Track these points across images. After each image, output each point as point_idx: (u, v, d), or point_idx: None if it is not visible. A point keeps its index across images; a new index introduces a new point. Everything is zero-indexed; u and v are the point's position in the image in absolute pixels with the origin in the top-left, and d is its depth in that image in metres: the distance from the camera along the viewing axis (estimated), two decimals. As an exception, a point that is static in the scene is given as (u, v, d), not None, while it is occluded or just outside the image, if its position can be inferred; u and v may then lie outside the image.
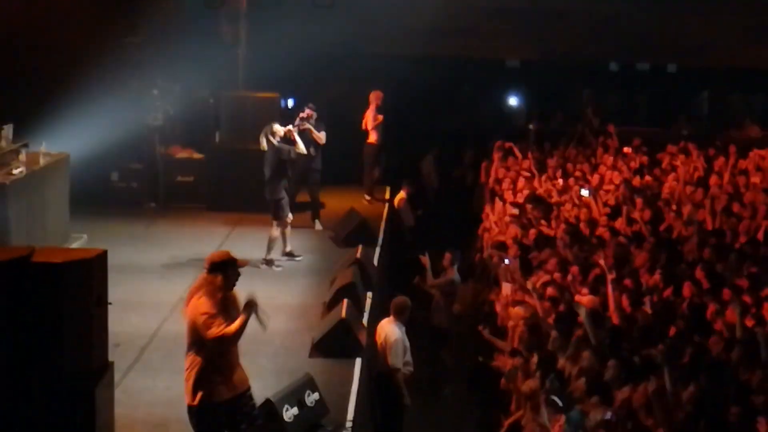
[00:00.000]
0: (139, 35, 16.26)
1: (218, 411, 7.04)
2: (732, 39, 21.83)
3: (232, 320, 6.89)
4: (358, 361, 9.64)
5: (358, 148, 17.12)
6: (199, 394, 6.94)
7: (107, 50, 15.44)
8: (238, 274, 7.03)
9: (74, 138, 13.85)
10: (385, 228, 15.46)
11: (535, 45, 22.77)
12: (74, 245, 12.76)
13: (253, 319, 6.96)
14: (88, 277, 6.59)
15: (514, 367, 9.63)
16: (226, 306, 6.94)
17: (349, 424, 8.34)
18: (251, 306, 6.93)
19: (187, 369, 7.00)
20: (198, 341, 6.94)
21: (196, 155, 16.80)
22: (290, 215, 13.00)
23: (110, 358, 7.00)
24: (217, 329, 6.79)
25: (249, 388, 7.28)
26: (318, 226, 15.00)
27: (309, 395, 8.24)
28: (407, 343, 10.38)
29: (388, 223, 15.97)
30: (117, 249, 12.14)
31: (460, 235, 17.27)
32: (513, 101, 25.51)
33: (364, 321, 10.69)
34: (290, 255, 13.14)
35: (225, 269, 6.95)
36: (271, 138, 12.93)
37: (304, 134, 13.87)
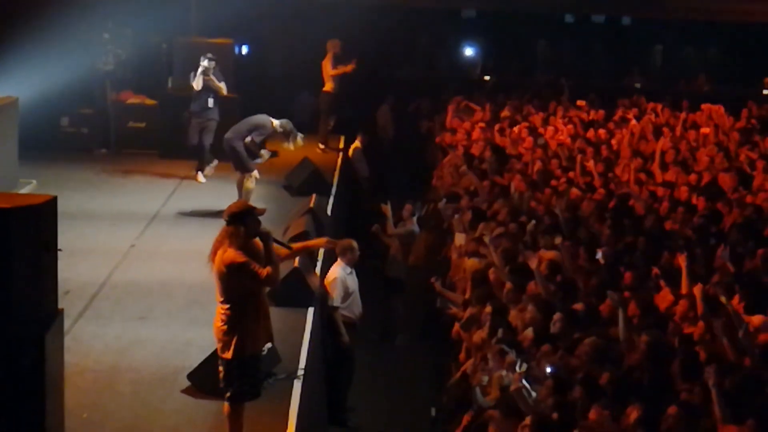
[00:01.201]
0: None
1: (257, 361, 7.14)
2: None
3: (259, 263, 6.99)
4: (311, 311, 9.66)
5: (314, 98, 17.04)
6: (239, 347, 6.96)
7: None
8: (259, 222, 7.08)
9: (23, 82, 13.63)
10: (339, 178, 15.43)
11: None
12: (23, 191, 12.59)
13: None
14: (37, 223, 6.48)
15: (468, 318, 9.68)
16: (252, 253, 7.00)
17: (300, 373, 8.37)
18: (267, 236, 7.04)
19: (222, 322, 7.00)
20: (232, 293, 6.96)
21: (148, 101, 16.62)
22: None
23: (60, 305, 6.93)
24: (263, 269, 6.89)
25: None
26: (201, 178, 14.51)
27: (261, 344, 8.25)
28: (350, 285, 10.39)
29: (342, 172, 15.94)
30: (67, 195, 12.07)
31: (415, 185, 17.30)
32: (469, 51, 25.50)
33: (317, 270, 10.70)
34: None
35: (244, 219, 7.01)
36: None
37: (208, 84, 13.88)
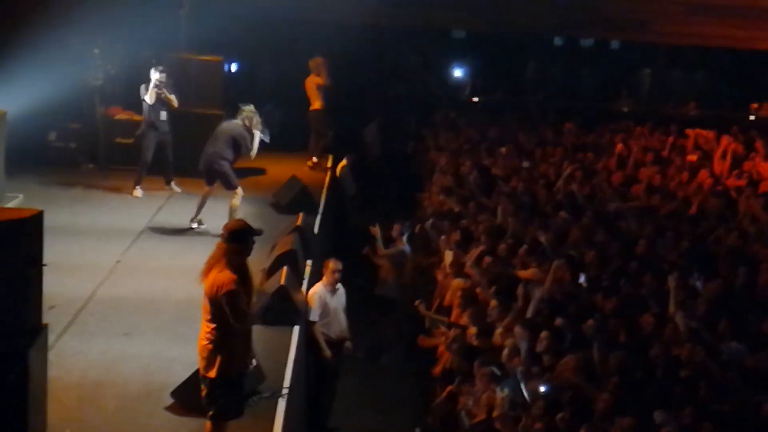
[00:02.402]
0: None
1: (240, 383, 7.11)
2: (675, 16, 22.05)
3: (248, 289, 6.93)
4: (296, 329, 9.64)
5: (302, 116, 17.02)
6: (223, 366, 6.93)
7: (48, 7, 15.13)
8: (254, 242, 7.03)
9: (11, 96, 13.56)
10: (327, 196, 15.42)
11: (480, 17, 22.83)
12: (9, 205, 12.54)
13: None
14: (23, 238, 6.47)
15: (454, 338, 9.69)
16: (243, 276, 6.93)
17: (285, 391, 8.35)
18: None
19: (207, 340, 6.95)
20: (219, 314, 6.89)
21: (137, 117, 16.54)
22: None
23: (44, 320, 6.89)
24: (243, 307, 6.83)
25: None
26: (176, 188, 14.63)
27: (246, 362, 8.22)
28: (329, 302, 10.42)
29: (330, 191, 15.94)
30: (54, 210, 12.01)
31: (402, 204, 17.31)
32: (458, 72, 25.61)
33: (304, 289, 10.68)
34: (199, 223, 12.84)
35: (242, 238, 6.95)
36: None
37: (159, 97, 13.90)
